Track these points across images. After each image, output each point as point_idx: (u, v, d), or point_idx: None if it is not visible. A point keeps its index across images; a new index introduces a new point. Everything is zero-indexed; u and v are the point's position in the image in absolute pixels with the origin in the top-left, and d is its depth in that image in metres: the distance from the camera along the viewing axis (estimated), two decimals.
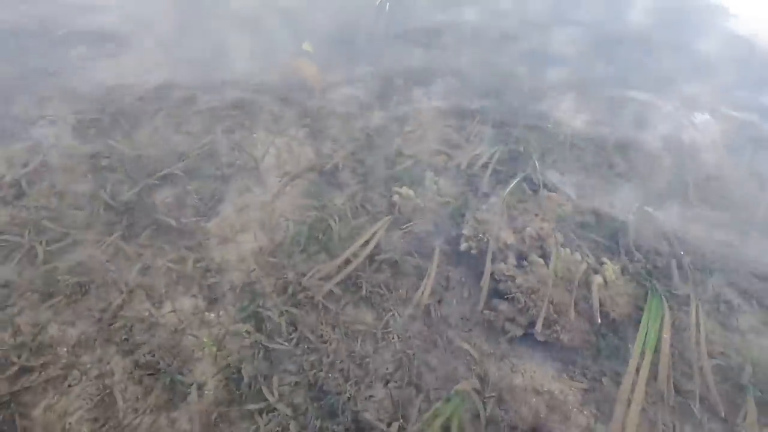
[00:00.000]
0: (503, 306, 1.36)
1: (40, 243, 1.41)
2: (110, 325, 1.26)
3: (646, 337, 1.29)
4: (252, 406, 1.14)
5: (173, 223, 1.53)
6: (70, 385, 1.14)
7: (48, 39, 2.23)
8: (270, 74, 2.17)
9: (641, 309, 1.38)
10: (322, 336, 1.29)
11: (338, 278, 1.40)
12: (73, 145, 1.74)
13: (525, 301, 1.33)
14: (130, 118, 1.86)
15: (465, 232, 1.50)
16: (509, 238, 1.45)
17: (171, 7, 2.69)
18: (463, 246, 1.49)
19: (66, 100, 1.91)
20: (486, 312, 1.36)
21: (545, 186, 1.72)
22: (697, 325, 1.37)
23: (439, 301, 1.43)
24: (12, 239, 1.41)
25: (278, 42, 2.42)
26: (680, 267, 1.54)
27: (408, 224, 1.59)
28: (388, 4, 2.83)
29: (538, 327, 1.26)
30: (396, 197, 1.64)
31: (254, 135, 1.91)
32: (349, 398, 1.17)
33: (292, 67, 2.23)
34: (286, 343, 1.26)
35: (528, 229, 1.48)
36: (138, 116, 1.88)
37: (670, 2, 3.97)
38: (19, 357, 1.17)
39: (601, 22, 3.25)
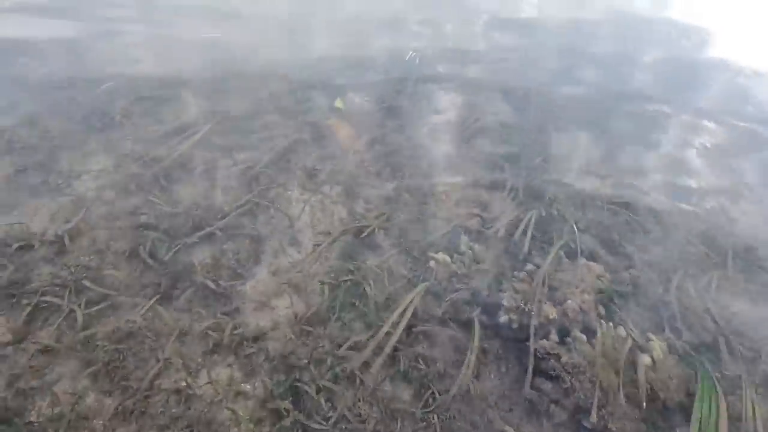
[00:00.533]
0: (547, 386, 1.31)
1: (80, 306, 1.41)
2: (147, 396, 1.24)
3: (700, 428, 1.23)
4: None
5: (211, 285, 1.53)
6: None
7: (95, 92, 2.33)
8: (304, 132, 2.23)
9: (692, 393, 1.32)
10: (360, 415, 1.25)
11: (376, 351, 1.38)
12: (114, 201, 1.78)
13: (571, 382, 1.28)
14: (170, 174, 1.91)
15: (504, 303, 1.47)
16: (551, 312, 1.42)
17: (207, 65, 2.81)
18: (503, 318, 1.46)
19: (109, 155, 1.97)
20: (529, 392, 1.31)
21: (583, 253, 1.70)
22: (753, 412, 1.30)
23: (477, 377, 1.39)
24: (53, 301, 1.42)
25: (312, 100, 2.50)
26: (728, 344, 1.49)
27: (445, 292, 1.57)
28: (417, 58, 2.92)
29: (593, 417, 1.21)
30: (432, 263, 1.63)
31: (289, 192, 1.94)
32: None
33: (326, 125, 2.29)
34: (324, 422, 1.22)
35: (569, 302, 1.45)
36: (177, 172, 1.92)
37: (677, 60, 4.08)
38: (56, 431, 1.15)
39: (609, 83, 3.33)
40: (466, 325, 1.50)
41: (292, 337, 1.43)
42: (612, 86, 3.36)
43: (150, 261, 1.57)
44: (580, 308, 1.44)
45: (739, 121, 2.97)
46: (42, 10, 3.15)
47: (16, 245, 1.58)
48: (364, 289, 1.59)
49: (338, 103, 2.48)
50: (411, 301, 1.51)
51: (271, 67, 2.77)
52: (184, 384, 1.28)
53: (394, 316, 1.46)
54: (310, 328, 1.47)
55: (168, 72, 2.57)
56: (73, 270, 1.54)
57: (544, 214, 1.89)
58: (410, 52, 2.96)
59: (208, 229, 1.69)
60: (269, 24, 3.27)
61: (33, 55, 2.64)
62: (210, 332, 1.40)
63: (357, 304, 1.55)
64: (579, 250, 1.70)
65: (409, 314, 1.44)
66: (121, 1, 3.51)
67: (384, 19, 3.39)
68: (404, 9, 3.73)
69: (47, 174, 1.86)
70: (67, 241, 1.63)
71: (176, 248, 1.62)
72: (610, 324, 1.44)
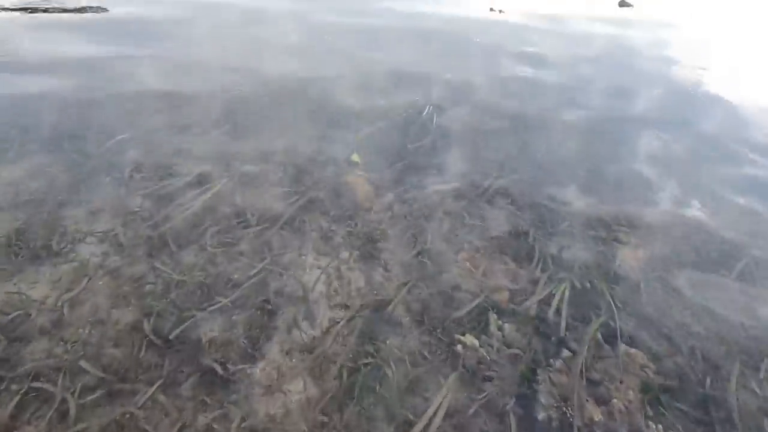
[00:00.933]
0: None
1: (73, 394, 1.28)
2: None
3: None
4: None
5: (219, 369, 1.40)
6: None
7: (103, 144, 2.28)
8: (320, 189, 2.15)
9: None
10: None
11: None
12: (119, 267, 1.67)
13: None
14: (180, 236, 1.81)
15: (542, 399, 1.33)
16: (595, 413, 1.28)
17: (224, 115, 2.78)
18: (541, 416, 1.32)
19: (117, 214, 1.89)
20: None
21: (622, 337, 1.57)
22: None
23: None
24: (45, 387, 1.30)
25: (328, 152, 2.44)
26: None
27: (473, 379, 1.43)
28: (435, 115, 2.88)
29: None
30: (459, 347, 1.50)
31: (303, 257, 1.84)
32: None
33: (343, 182, 2.21)
34: None
35: (614, 401, 1.31)
36: (188, 233, 1.83)
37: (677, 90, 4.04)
38: None
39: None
40: (501, 418, 1.36)
41: (305, 429, 1.30)
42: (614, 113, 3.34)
43: (154, 338, 1.46)
44: (626, 408, 1.30)
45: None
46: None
47: (12, 314, 1.48)
48: (385, 373, 1.46)
49: (355, 158, 2.42)
50: (444, 398, 1.38)
51: (289, 118, 2.73)
52: None
53: (429, 413, 1.32)
54: (325, 418, 1.34)
55: (183, 120, 2.52)
56: (69, 347, 1.42)
57: (577, 285, 1.77)
58: (428, 107, 2.92)
59: (218, 303, 1.57)
60: (290, 79, 3.26)
61: (47, 101, 2.61)
62: (216, 425, 1.27)
63: (378, 389, 1.41)
64: (619, 333, 1.57)
65: (441, 413, 1.31)
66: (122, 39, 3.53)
67: (405, 73, 3.39)
68: (418, 61, 3.74)
69: (51, 234, 1.77)
70: (66, 311, 1.52)
71: (183, 325, 1.50)
72: (660, 427, 1.30)
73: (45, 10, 4.06)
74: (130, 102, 2.66)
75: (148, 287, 1.61)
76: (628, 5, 6.22)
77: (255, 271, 1.71)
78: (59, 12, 4.24)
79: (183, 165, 2.18)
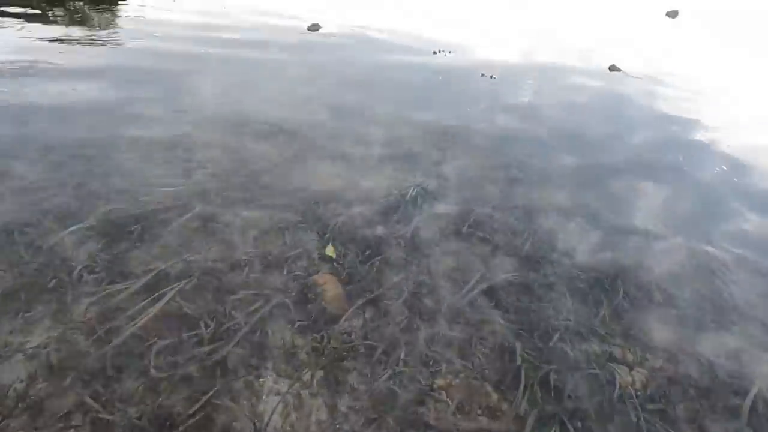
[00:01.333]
0: None
1: None
2: None
3: None
4: None
5: None
6: None
7: (60, 235, 2.13)
8: (288, 291, 1.98)
9: None
10: None
11: None
12: (44, 399, 1.47)
13: None
14: (120, 356, 1.62)
15: None
16: None
17: (193, 196, 2.65)
18: None
19: (56, 324, 1.70)
20: None
21: None
22: None
23: None
24: None
25: (301, 244, 2.28)
26: None
27: None
28: (418, 194, 2.75)
29: None
30: None
31: (261, 380, 1.63)
32: None
33: (313, 281, 2.04)
34: None
35: None
36: (130, 353, 1.63)
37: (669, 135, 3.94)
38: None
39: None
40: None
41: None
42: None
43: None
44: None
45: None
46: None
47: None
48: None
49: (329, 251, 2.26)
50: None
51: (266, 197, 2.60)
52: None
53: None
54: None
55: (147, 207, 2.38)
56: None
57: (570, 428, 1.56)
58: (411, 188, 2.80)
59: None
60: (273, 154, 3.18)
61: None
62: None
63: None
64: None
65: None
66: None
67: (390, 155, 3.30)
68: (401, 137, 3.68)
69: None
70: None
71: None
72: None
73: None
74: (95, 180, 2.53)
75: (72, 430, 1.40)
76: (617, 69, 6.31)
77: (199, 404, 1.50)
78: None
79: (141, 261, 2.01)
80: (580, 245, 2.58)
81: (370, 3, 9.58)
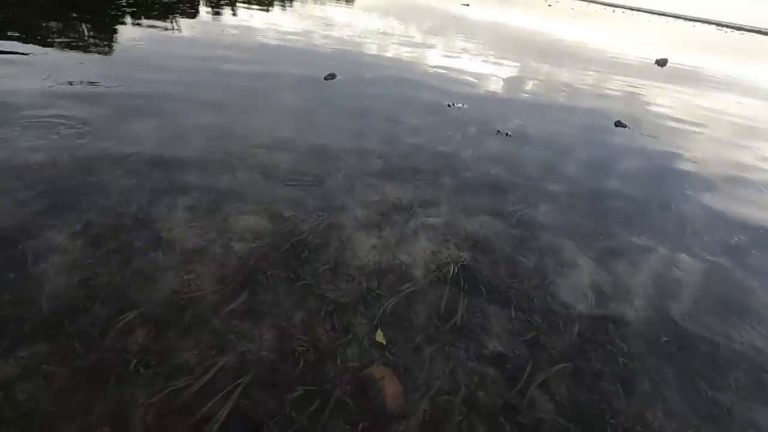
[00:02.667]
0: None
1: None
2: None
3: None
4: None
5: None
6: None
7: (112, 326, 2.10)
8: (343, 384, 1.95)
9: None
10: None
11: None
12: None
13: None
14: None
15: None
16: None
17: (242, 275, 2.64)
18: None
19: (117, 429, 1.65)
20: None
21: None
22: None
23: None
24: None
25: (349, 328, 2.27)
26: None
27: None
28: (457, 269, 2.77)
29: None
30: None
31: None
32: None
33: (370, 375, 2.02)
34: None
35: None
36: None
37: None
38: None
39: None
40: None
41: None
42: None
43: None
44: None
45: None
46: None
47: None
48: None
49: (379, 337, 2.25)
50: None
51: (309, 274, 2.59)
52: None
53: None
54: None
55: (192, 291, 2.36)
56: None
57: None
58: (447, 260, 2.82)
59: None
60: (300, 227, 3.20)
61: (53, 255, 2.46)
62: None
63: None
64: None
65: None
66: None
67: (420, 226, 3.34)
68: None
69: None
70: None
71: None
72: None
73: None
74: (146, 261, 2.52)
75: None
76: (624, 126, 6.52)
77: None
78: None
79: (197, 356, 1.99)
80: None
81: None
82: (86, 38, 6.81)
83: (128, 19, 8.63)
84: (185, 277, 2.39)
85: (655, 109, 8.57)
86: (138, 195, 3.03)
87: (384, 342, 2.22)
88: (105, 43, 6.65)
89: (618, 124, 6.75)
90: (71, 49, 6.06)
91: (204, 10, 11.23)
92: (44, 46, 5.96)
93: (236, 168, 3.62)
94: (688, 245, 3.68)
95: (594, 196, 4.28)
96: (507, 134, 5.43)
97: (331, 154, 4.14)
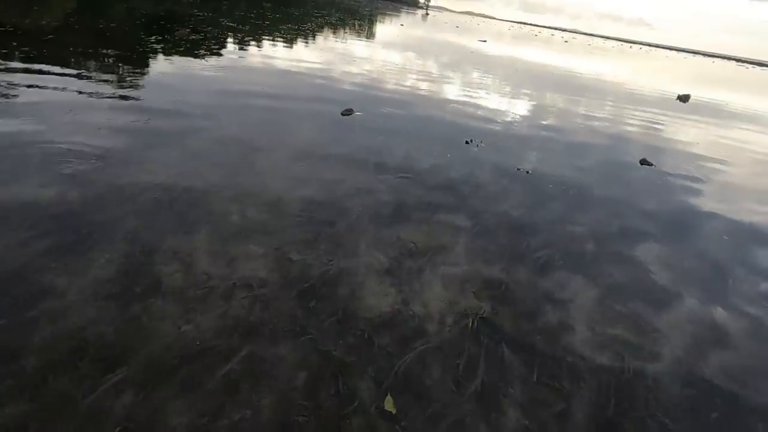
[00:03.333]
0: None
1: None
2: None
3: None
4: None
5: None
6: None
7: (97, 385, 1.94)
8: None
9: None
10: None
11: None
12: None
13: None
14: None
15: None
16: None
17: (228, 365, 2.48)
18: None
19: None
20: None
21: None
22: None
23: None
24: None
25: (355, 393, 2.05)
26: None
27: None
28: (476, 322, 2.55)
29: None
30: None
31: None
32: None
33: None
34: None
35: None
36: None
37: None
38: None
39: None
40: None
41: None
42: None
43: None
44: None
45: None
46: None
47: None
48: None
49: (389, 405, 2.02)
50: None
51: (314, 327, 2.41)
52: None
53: None
54: None
55: (188, 347, 2.19)
56: None
57: None
58: (465, 312, 2.60)
59: None
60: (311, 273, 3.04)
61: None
62: None
63: None
64: None
65: None
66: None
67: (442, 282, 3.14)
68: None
69: None
70: None
71: None
72: None
73: None
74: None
75: None
76: (650, 164, 6.28)
77: None
78: None
79: (187, 424, 1.79)
80: None
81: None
82: (113, 73, 7.02)
83: (158, 55, 8.92)
84: (182, 329, 2.23)
85: (680, 146, 8.31)
86: (144, 235, 2.93)
87: (394, 411, 2.00)
88: (130, 78, 6.84)
89: (643, 162, 6.51)
90: (98, 82, 6.22)
91: (230, 47, 11.60)
92: (74, 77, 6.13)
93: (246, 206, 3.52)
94: (728, 299, 3.37)
95: (623, 242, 4.02)
96: (527, 172, 5.25)
97: (344, 194, 4.01)
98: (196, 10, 19.72)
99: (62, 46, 8.20)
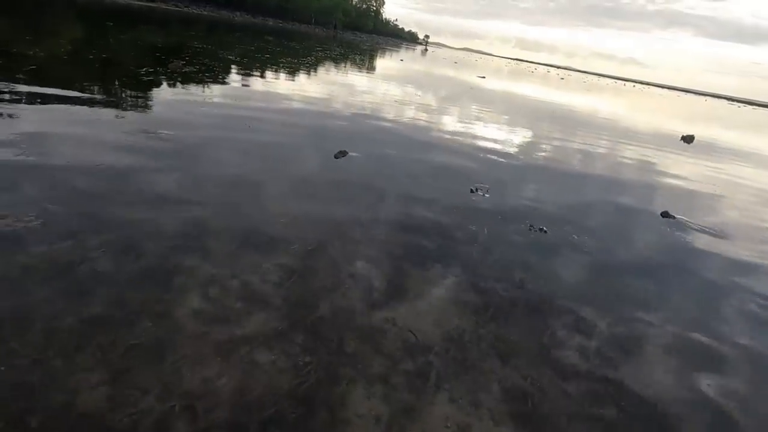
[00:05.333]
0: None
1: None
2: None
3: None
4: None
5: None
6: None
7: None
8: None
9: None
10: None
11: None
12: None
13: None
14: None
15: None
16: None
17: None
18: None
19: None
20: None
21: None
22: None
23: None
24: None
25: None
26: None
27: None
28: None
29: None
30: None
31: None
32: None
33: None
34: None
35: None
36: None
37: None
38: None
39: None
40: None
41: None
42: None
43: None
44: None
45: None
46: None
47: None
48: None
49: None
50: None
51: None
52: None
53: None
54: None
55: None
56: None
57: None
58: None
59: None
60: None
61: None
62: None
63: None
64: None
65: None
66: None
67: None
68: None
69: None
70: None
71: None
72: None
73: None
74: None
75: None
76: (672, 216, 5.71)
77: None
78: None
79: None
80: None
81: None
82: (115, 97, 6.52)
83: (144, 87, 8.49)
84: None
85: (700, 198, 7.77)
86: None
87: None
88: (129, 104, 6.32)
89: (665, 214, 5.94)
90: (97, 105, 5.68)
91: (224, 80, 11.25)
92: (82, 102, 5.60)
93: (209, 284, 2.86)
94: None
95: (665, 322, 3.36)
96: (541, 229, 4.64)
97: (328, 266, 3.35)
98: (196, 42, 19.68)
99: (75, 68, 7.73)
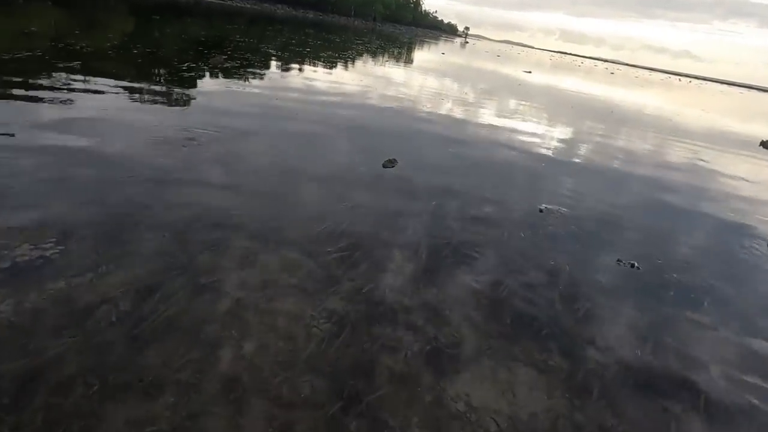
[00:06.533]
0: None
1: None
2: None
3: None
4: None
5: None
6: None
7: None
8: None
9: None
10: None
11: None
12: None
13: None
14: None
15: None
16: None
17: None
18: None
19: None
20: None
21: None
22: None
23: None
24: None
25: None
26: None
27: None
28: None
29: None
30: None
31: None
32: None
33: None
34: None
35: None
36: None
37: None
38: None
39: None
40: None
41: None
42: None
43: None
44: None
45: None
46: None
47: None
48: None
49: None
50: None
51: None
52: None
53: None
54: None
55: None
56: None
57: None
58: None
59: None
60: None
61: None
62: None
63: None
64: None
65: None
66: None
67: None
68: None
69: None
70: None
71: None
72: None
73: None
74: None
75: None
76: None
77: None
78: None
79: None
80: None
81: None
82: (156, 90, 6.23)
83: (184, 83, 8.21)
84: None
85: None
86: None
87: None
88: (172, 97, 6.00)
89: None
90: (140, 101, 5.36)
91: (264, 75, 10.89)
92: (125, 93, 5.30)
93: (222, 344, 2.33)
94: None
95: None
96: (632, 265, 3.85)
97: (372, 318, 2.75)
98: (238, 36, 19.57)
99: (122, 63, 7.55)
